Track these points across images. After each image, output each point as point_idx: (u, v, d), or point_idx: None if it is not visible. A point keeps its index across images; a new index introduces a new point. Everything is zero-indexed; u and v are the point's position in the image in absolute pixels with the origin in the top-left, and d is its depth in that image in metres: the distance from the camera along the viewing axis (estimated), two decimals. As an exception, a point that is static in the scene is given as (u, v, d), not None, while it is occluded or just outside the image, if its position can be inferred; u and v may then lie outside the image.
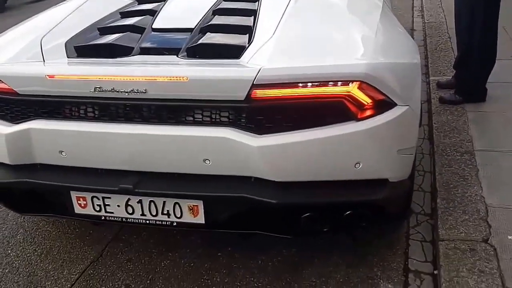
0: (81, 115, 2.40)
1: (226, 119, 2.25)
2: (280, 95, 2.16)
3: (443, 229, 2.78)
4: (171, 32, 2.71)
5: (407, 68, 2.44)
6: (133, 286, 2.73)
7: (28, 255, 3.03)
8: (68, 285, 2.77)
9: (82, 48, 2.56)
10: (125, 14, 2.99)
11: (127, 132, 2.32)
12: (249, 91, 2.14)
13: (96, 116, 2.38)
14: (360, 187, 2.31)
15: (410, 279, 2.67)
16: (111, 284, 2.76)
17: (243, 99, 2.16)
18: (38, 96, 2.38)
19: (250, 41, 2.46)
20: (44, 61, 2.50)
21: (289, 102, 2.17)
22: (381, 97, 2.19)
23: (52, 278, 2.82)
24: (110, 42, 2.55)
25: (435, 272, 2.66)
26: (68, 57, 2.54)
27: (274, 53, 2.31)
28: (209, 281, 2.74)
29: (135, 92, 2.21)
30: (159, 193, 2.37)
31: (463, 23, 4.16)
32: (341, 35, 2.53)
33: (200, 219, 2.39)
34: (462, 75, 4.35)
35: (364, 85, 2.13)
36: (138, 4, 3.19)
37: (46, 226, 3.27)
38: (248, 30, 2.57)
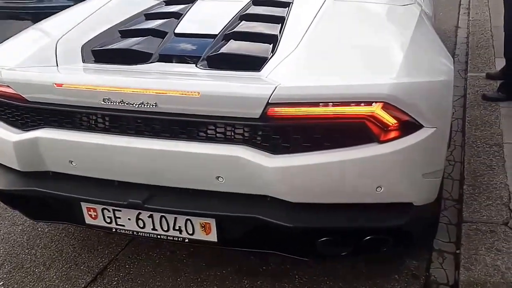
0: (90, 125, 2.32)
1: (240, 137, 2.13)
2: (298, 114, 2.03)
3: (467, 212, 3.00)
4: (194, 38, 2.61)
5: (436, 87, 2.21)
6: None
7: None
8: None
9: (99, 52, 2.48)
10: (149, 16, 2.89)
11: (136, 146, 2.22)
12: (264, 109, 2.01)
13: (106, 127, 2.29)
14: (382, 211, 2.19)
15: (433, 257, 2.88)
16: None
17: (258, 117, 2.04)
18: (47, 104, 2.30)
19: (273, 51, 2.35)
20: (57, 65, 2.44)
21: (307, 121, 2.05)
22: (406, 118, 2.05)
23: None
24: (127, 47, 2.47)
25: (457, 251, 2.86)
26: (83, 62, 2.48)
27: (294, 69, 2.19)
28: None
29: (145, 105, 2.11)
30: (169, 210, 2.29)
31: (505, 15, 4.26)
32: (367, 51, 2.37)
33: (213, 237, 2.31)
34: (506, 69, 4.46)
35: (388, 106, 2.00)
36: (165, 5, 3.07)
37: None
38: (273, 40, 2.45)
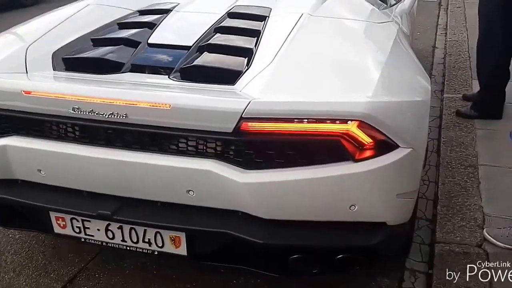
0: (60, 135, 2.27)
1: (212, 151, 2.10)
2: (272, 129, 1.99)
3: (441, 233, 2.99)
4: (167, 49, 2.57)
5: (413, 107, 2.21)
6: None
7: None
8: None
9: (70, 61, 2.44)
10: (122, 25, 2.86)
11: (106, 157, 2.17)
12: (237, 124, 1.97)
13: (76, 137, 2.24)
14: (355, 229, 2.17)
15: (405, 276, 2.86)
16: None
17: (230, 131, 1.99)
18: (16, 111, 2.25)
19: (248, 65, 2.32)
20: (27, 72, 2.38)
21: (281, 137, 2.01)
22: (381, 137, 2.02)
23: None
24: (99, 56, 2.45)
25: (430, 271, 2.85)
26: (54, 70, 2.43)
27: (269, 83, 2.15)
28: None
29: (115, 115, 2.06)
30: (138, 222, 2.25)
31: (481, 40, 4.37)
32: (344, 68, 2.36)
33: (183, 250, 2.27)
34: (479, 90, 4.54)
35: (363, 125, 1.97)
36: (139, 15, 3.04)
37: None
38: (248, 53, 2.42)
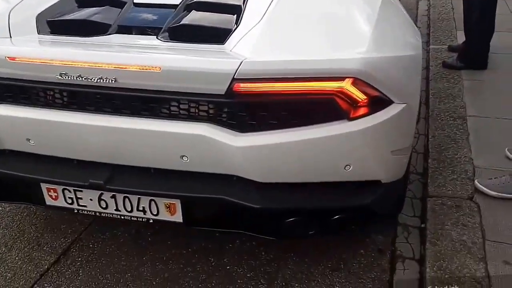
0: (48, 101, 2.19)
1: (204, 114, 2.05)
2: (265, 90, 1.94)
3: (432, 187, 3.01)
4: (154, 8, 2.49)
5: (406, 62, 2.20)
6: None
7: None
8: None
9: (55, 23, 2.34)
10: None
11: (96, 124, 2.11)
12: (230, 85, 1.92)
13: (64, 103, 2.17)
14: (350, 189, 2.17)
15: (398, 231, 2.88)
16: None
17: (223, 93, 1.94)
18: (1, 79, 2.17)
19: (237, 23, 2.25)
20: (10, 37, 2.27)
21: (275, 98, 1.97)
22: (375, 94, 1.99)
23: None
24: (85, 18, 2.36)
25: (422, 225, 2.87)
26: (39, 34, 2.32)
27: (260, 42, 2.08)
28: (191, 282, 2.66)
29: (104, 80, 1.99)
30: (132, 191, 2.20)
31: None
32: (335, 25, 2.29)
33: (178, 217, 2.24)
34: (465, 41, 4.54)
35: (358, 81, 1.93)
36: None
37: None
38: (237, 10, 2.34)
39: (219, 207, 2.21)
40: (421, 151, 3.57)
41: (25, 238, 2.98)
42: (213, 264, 2.75)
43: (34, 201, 2.44)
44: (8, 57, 2.07)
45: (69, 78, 2.02)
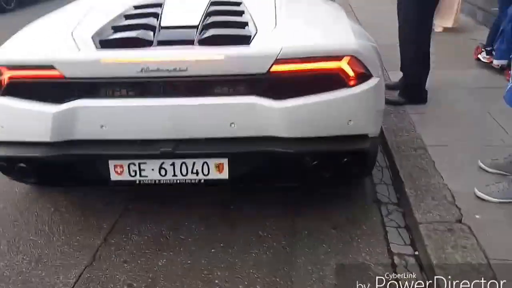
0: (127, 92, 2.76)
1: (250, 89, 2.72)
2: (292, 69, 2.69)
3: (419, 214, 2.99)
4: (179, 29, 3.03)
5: (375, 49, 3.02)
6: (135, 285, 2.67)
7: (17, 263, 2.87)
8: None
9: (108, 42, 2.84)
10: (130, 16, 3.24)
11: (167, 104, 2.71)
12: (270, 66, 2.64)
13: (140, 92, 2.74)
14: (351, 140, 2.85)
15: (395, 261, 2.83)
16: (112, 285, 2.68)
17: (265, 72, 2.66)
18: (85, 78, 2.71)
19: (256, 31, 2.89)
20: (79, 50, 2.77)
21: (298, 74, 2.71)
22: (363, 70, 2.76)
23: (48, 283, 2.68)
24: (133, 36, 2.85)
25: (416, 253, 2.87)
26: (97, 49, 2.80)
27: (284, 38, 2.81)
28: (210, 275, 2.74)
29: (177, 70, 2.62)
30: (192, 154, 2.79)
31: (400, 34, 4.58)
32: (328, 25, 3.25)
33: (225, 175, 2.83)
34: (404, 79, 4.76)
35: (353, 60, 2.72)
36: (138, 8, 3.44)
37: (29, 236, 3.13)
38: (245, 25, 3.00)
39: (259, 160, 2.83)
40: (389, 182, 3.59)
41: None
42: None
43: (99, 180, 2.94)
44: (102, 60, 2.67)
45: (148, 71, 2.63)
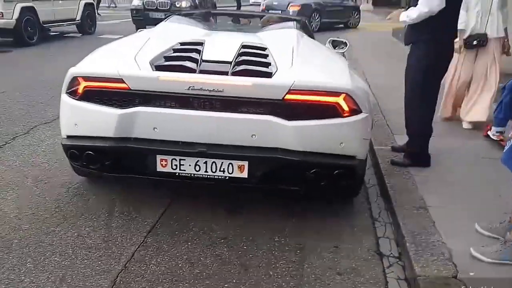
0: (176, 103, 3.52)
1: (269, 110, 3.48)
2: (301, 98, 3.47)
3: (418, 267, 3.21)
4: (216, 63, 3.83)
5: (365, 90, 3.86)
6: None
7: (43, 281, 3.07)
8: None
9: (161, 67, 3.62)
10: (177, 50, 4.07)
11: (205, 115, 3.48)
12: (285, 94, 3.43)
13: (185, 105, 3.49)
14: (343, 158, 3.61)
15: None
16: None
17: (280, 98, 3.45)
18: (145, 90, 3.48)
19: (276, 69, 3.71)
20: (140, 70, 3.59)
21: (306, 102, 3.48)
22: (354, 106, 3.52)
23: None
24: (182, 64, 3.63)
25: (415, 304, 3.07)
26: (153, 71, 3.56)
27: (297, 74, 3.59)
28: None
29: (215, 91, 3.40)
30: (221, 155, 3.53)
31: (406, 98, 4.88)
32: (332, 68, 4.24)
33: (245, 174, 3.58)
34: (408, 143, 5.05)
35: (347, 96, 3.49)
36: (183, 45, 4.24)
37: (53, 256, 3.35)
38: (269, 65, 3.80)
39: (272, 165, 3.59)
40: (391, 237, 3.83)
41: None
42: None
43: (145, 170, 3.66)
44: (159, 77, 3.47)
45: (194, 89, 3.42)
